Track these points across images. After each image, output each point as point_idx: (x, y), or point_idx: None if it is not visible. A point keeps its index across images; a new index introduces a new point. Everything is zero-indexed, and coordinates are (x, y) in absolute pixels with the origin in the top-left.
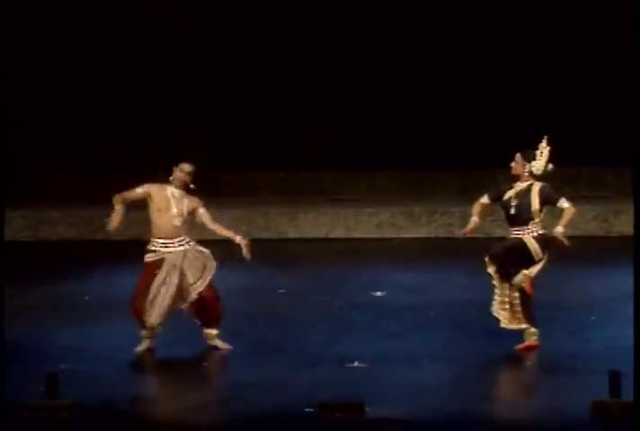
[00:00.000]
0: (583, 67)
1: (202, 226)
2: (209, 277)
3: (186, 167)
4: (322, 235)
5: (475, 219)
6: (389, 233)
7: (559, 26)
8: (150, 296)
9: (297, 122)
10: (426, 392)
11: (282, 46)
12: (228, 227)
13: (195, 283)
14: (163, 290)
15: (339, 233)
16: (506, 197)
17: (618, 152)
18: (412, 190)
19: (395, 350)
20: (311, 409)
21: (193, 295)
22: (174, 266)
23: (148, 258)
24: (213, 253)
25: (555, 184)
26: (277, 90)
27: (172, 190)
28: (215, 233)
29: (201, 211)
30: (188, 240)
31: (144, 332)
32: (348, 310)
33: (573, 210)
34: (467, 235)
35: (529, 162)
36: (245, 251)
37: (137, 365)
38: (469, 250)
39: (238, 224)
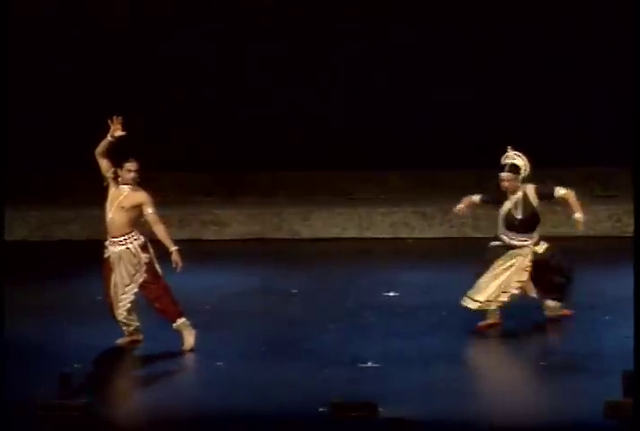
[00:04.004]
0: (598, 67)
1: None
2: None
3: (131, 165)
4: (335, 235)
5: (467, 198)
6: (402, 233)
7: (574, 24)
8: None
9: (311, 121)
10: (439, 393)
11: (296, 44)
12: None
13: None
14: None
15: (352, 232)
16: (505, 209)
17: (632, 151)
18: (425, 190)
19: (408, 350)
20: (324, 409)
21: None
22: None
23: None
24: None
25: (568, 184)
26: (290, 89)
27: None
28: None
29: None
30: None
31: None
32: (361, 310)
33: (572, 193)
34: (462, 212)
35: (519, 174)
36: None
37: (151, 365)
38: (483, 251)
39: (251, 223)
